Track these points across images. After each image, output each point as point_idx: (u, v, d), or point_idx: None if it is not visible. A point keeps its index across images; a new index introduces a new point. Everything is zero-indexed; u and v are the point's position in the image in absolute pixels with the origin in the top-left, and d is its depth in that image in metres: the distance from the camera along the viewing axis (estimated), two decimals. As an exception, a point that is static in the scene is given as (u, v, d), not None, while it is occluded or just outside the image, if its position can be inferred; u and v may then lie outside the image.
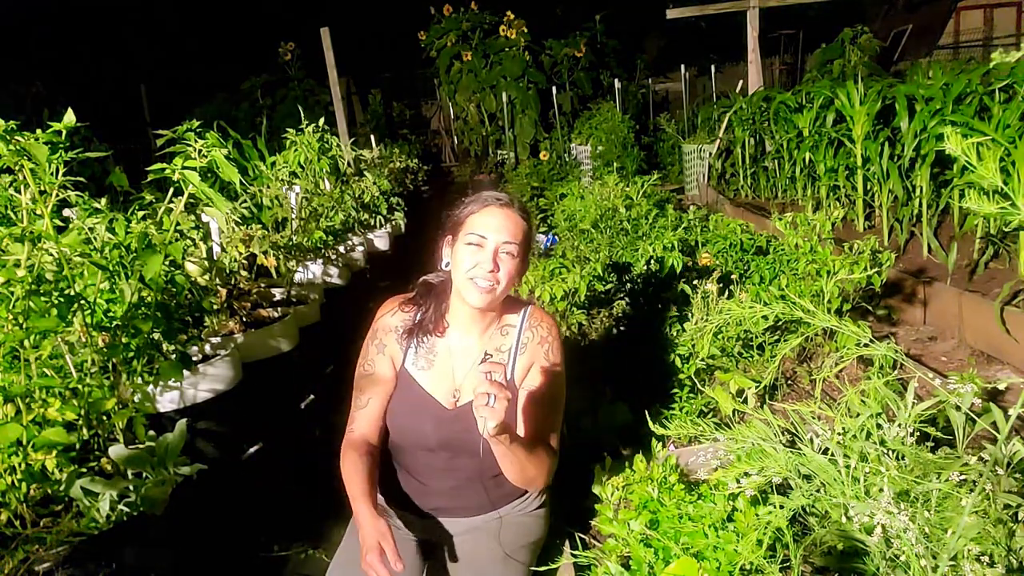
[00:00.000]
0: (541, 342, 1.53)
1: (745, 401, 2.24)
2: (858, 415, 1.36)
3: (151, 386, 2.09)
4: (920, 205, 3.67)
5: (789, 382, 2.59)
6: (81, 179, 1.93)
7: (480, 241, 1.42)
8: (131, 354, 1.90)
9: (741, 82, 7.49)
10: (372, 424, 1.51)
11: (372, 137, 8.44)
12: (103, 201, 2.06)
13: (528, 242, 1.50)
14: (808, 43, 12.23)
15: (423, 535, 1.55)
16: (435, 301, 1.54)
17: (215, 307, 2.80)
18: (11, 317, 1.59)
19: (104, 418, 1.78)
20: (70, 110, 1.79)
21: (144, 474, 1.71)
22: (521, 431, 1.45)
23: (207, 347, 2.56)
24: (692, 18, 7.57)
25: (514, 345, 1.52)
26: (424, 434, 1.49)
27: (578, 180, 6.46)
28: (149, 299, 1.94)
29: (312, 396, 2.90)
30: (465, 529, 1.54)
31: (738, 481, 1.32)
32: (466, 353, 1.52)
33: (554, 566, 1.52)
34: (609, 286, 3.05)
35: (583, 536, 1.75)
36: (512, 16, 10.32)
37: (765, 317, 2.27)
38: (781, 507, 1.26)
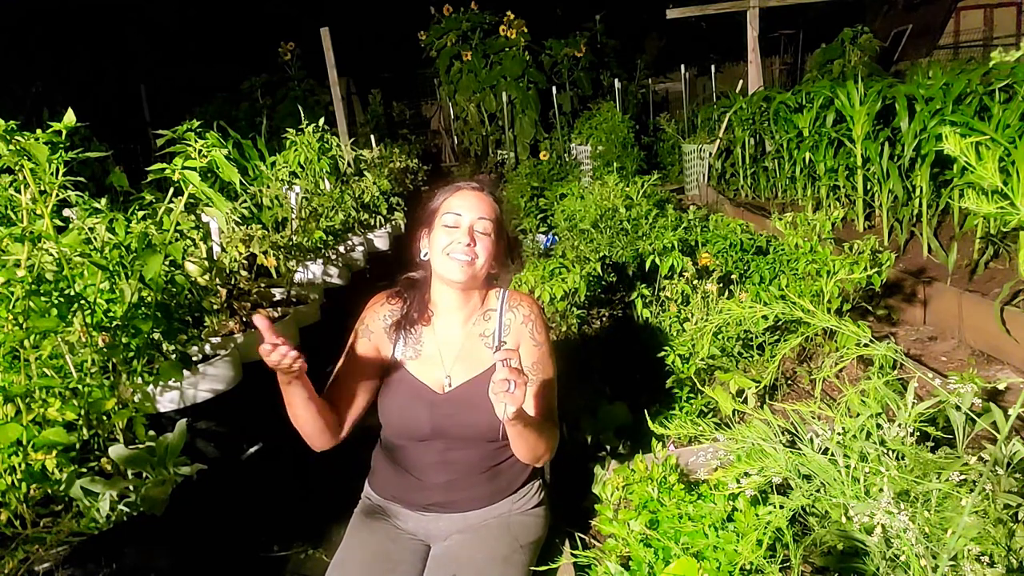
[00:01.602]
0: (524, 321, 1.56)
1: (745, 401, 2.24)
2: (858, 415, 1.36)
3: (151, 386, 2.09)
4: (920, 205, 3.67)
5: (789, 382, 2.59)
6: (81, 179, 1.94)
7: (456, 221, 1.48)
8: (131, 354, 1.90)
9: (741, 82, 7.49)
10: (334, 385, 1.53)
11: (372, 137, 8.44)
12: (103, 201, 2.06)
13: (501, 225, 1.54)
14: (808, 43, 12.24)
15: (422, 534, 1.56)
16: (418, 293, 1.58)
17: (215, 307, 2.81)
18: (11, 317, 1.59)
19: (104, 418, 1.79)
20: (70, 110, 1.80)
21: (144, 474, 1.71)
22: (531, 411, 1.47)
23: (207, 347, 2.56)
24: (692, 18, 7.57)
25: (497, 328, 1.55)
26: (418, 422, 1.51)
27: (578, 180, 6.46)
28: (149, 299, 1.94)
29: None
30: (463, 526, 1.54)
31: (738, 481, 1.32)
32: (452, 340, 1.55)
33: (554, 566, 1.52)
34: (609, 285, 3.06)
35: (583, 536, 1.75)
36: (512, 16, 10.32)
37: (765, 317, 2.28)
38: (781, 507, 1.26)
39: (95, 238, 1.89)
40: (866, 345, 1.33)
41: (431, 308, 1.57)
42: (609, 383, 2.57)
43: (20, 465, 1.57)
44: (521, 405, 1.23)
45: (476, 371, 1.52)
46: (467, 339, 1.55)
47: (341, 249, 4.49)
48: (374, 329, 1.57)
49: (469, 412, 1.47)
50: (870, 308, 3.08)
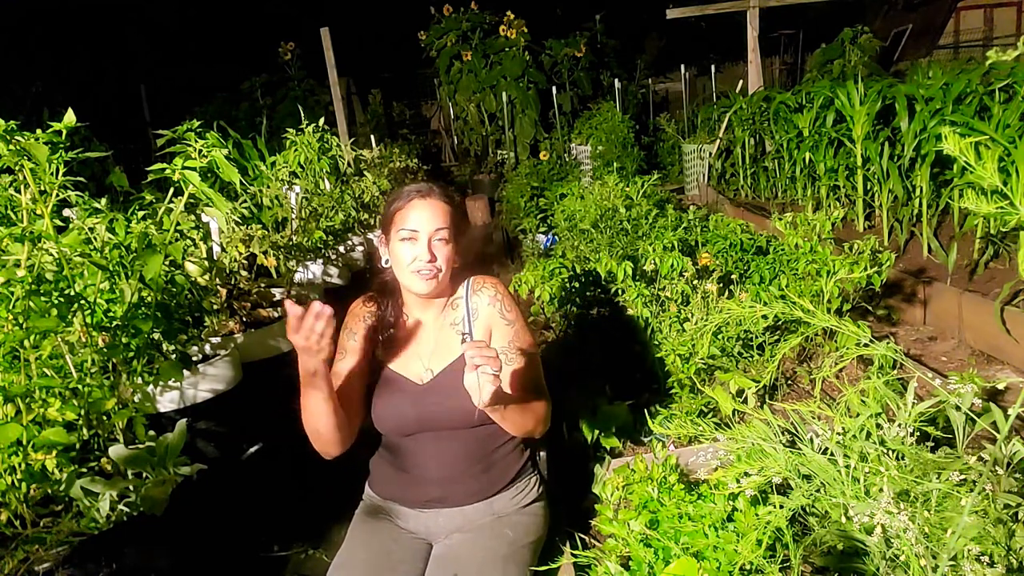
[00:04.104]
0: (491, 302, 1.58)
1: (745, 401, 2.23)
2: (858, 415, 1.36)
3: (151, 386, 2.09)
4: (920, 205, 3.67)
5: (789, 382, 2.59)
6: (81, 179, 1.94)
7: (413, 235, 1.49)
8: (131, 354, 1.90)
9: (741, 82, 7.49)
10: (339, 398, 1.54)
11: (372, 137, 8.44)
12: (103, 201, 2.06)
13: (457, 222, 1.56)
14: (808, 43, 12.24)
15: (423, 533, 1.56)
16: (391, 298, 1.62)
17: (215, 307, 2.81)
18: (11, 317, 1.59)
19: (104, 418, 1.78)
20: (70, 110, 1.79)
21: (144, 474, 1.71)
22: (508, 389, 1.49)
23: (207, 347, 2.56)
24: (692, 18, 7.56)
25: (466, 314, 1.58)
26: (403, 415, 1.53)
27: (578, 180, 6.45)
28: (149, 299, 1.94)
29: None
30: (462, 522, 1.55)
31: (738, 481, 1.32)
32: (426, 334, 1.60)
33: (554, 566, 1.52)
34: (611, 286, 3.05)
35: (583, 536, 1.75)
36: (512, 16, 10.30)
37: (765, 317, 2.28)
38: (781, 507, 1.26)
39: (95, 238, 1.89)
40: (866, 345, 1.33)
41: (405, 310, 1.61)
42: (609, 383, 2.56)
43: (20, 465, 1.57)
44: (496, 390, 1.26)
45: (450, 359, 1.56)
46: (439, 330, 1.59)
47: (341, 249, 4.50)
48: (356, 331, 1.61)
49: (449, 399, 1.50)
50: (870, 308, 3.08)
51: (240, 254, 3.11)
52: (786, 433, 1.40)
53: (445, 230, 1.51)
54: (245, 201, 3.61)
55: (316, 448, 1.50)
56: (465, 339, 1.26)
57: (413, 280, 1.50)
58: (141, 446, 1.75)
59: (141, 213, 2.13)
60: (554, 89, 10.17)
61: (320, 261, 4.12)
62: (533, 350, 1.60)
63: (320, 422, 1.44)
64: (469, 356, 1.24)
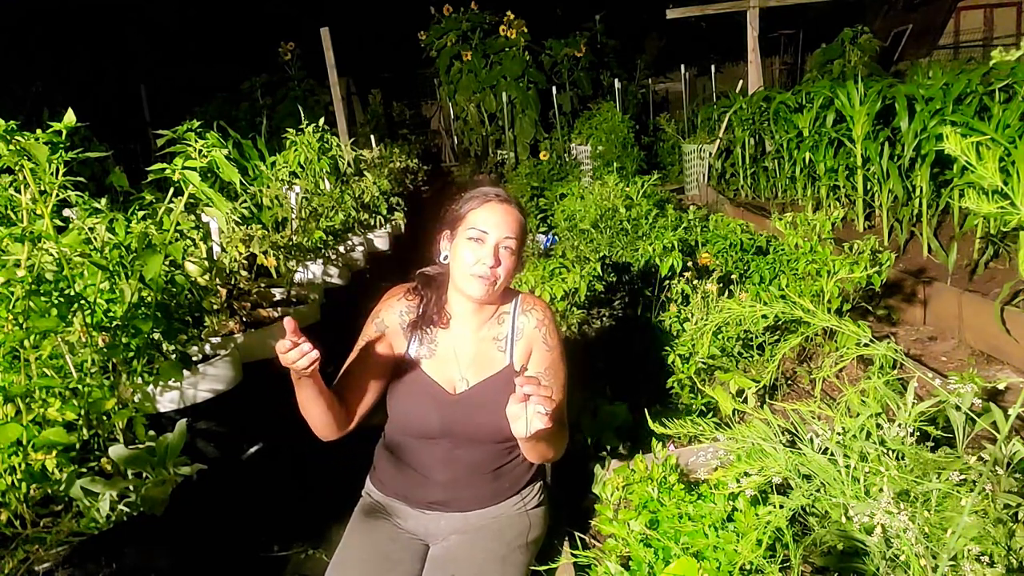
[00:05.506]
0: (538, 325, 1.56)
1: (745, 401, 2.23)
2: (858, 415, 1.36)
3: (151, 386, 2.09)
4: (920, 205, 3.67)
5: (789, 382, 2.59)
6: (81, 179, 1.93)
7: (481, 236, 1.46)
8: (131, 354, 1.90)
9: (741, 82, 7.49)
10: (345, 378, 1.54)
11: (372, 137, 8.44)
12: (103, 201, 2.05)
13: (524, 237, 1.54)
14: (808, 43, 12.26)
15: (422, 533, 1.56)
16: (435, 294, 1.57)
17: (215, 307, 2.80)
18: (11, 317, 1.59)
19: (104, 418, 1.78)
20: (70, 110, 1.79)
21: (144, 474, 1.71)
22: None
23: (207, 347, 2.56)
24: (692, 18, 7.57)
25: (510, 332, 1.56)
26: (427, 420, 1.51)
27: (578, 180, 6.45)
28: (149, 299, 1.94)
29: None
30: (463, 526, 1.54)
31: (738, 481, 1.32)
32: (466, 342, 1.56)
33: (554, 566, 1.52)
34: (609, 285, 3.05)
35: (583, 536, 1.75)
36: (512, 16, 10.32)
37: (765, 317, 2.28)
38: (781, 507, 1.26)
39: (95, 238, 1.89)
40: (866, 345, 1.33)
41: (448, 310, 1.57)
42: (609, 383, 2.57)
43: (20, 465, 1.56)
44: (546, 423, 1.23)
45: (488, 373, 1.53)
46: (480, 342, 1.56)
47: (341, 249, 4.49)
48: (389, 324, 1.57)
49: (479, 413, 1.48)
50: (870, 308, 3.08)
51: (240, 254, 3.11)
52: (786, 433, 1.40)
53: (514, 240, 1.48)
54: (245, 201, 3.60)
55: (312, 430, 1.50)
56: (521, 372, 1.23)
57: (470, 282, 1.46)
58: (141, 446, 1.75)
59: (141, 213, 2.12)
60: (554, 89, 10.18)
61: (320, 261, 4.11)
62: (564, 381, 1.58)
63: (311, 414, 1.44)
64: (525, 390, 1.21)
